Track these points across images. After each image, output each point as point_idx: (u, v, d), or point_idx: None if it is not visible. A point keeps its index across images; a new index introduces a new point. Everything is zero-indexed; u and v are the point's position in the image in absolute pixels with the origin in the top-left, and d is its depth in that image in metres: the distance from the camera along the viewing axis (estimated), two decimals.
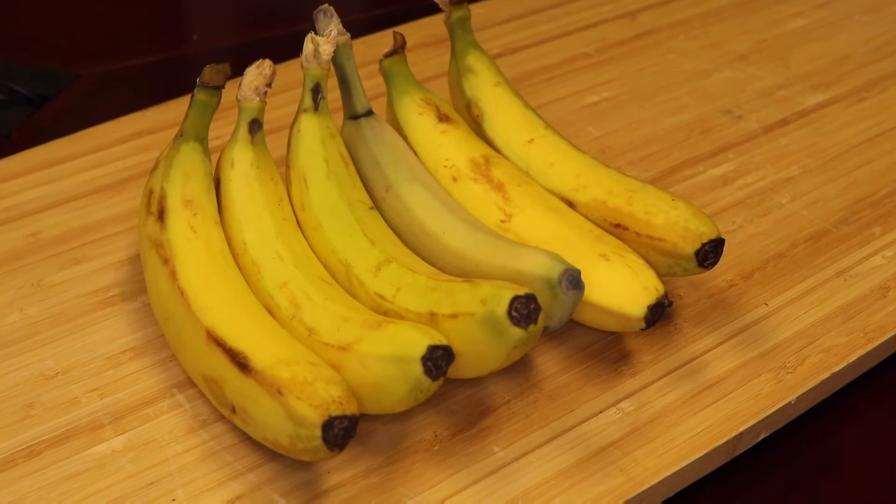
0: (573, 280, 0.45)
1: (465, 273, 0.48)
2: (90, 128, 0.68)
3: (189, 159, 0.50)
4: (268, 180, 0.50)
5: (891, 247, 0.58)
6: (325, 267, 0.49)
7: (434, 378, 0.42)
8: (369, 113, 0.54)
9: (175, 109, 0.69)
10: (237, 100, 0.51)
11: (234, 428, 0.47)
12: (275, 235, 0.49)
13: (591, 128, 0.69)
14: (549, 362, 0.51)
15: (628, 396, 0.49)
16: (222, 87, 0.51)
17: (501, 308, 0.42)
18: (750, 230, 0.59)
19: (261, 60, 0.51)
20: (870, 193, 0.63)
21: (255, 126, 0.51)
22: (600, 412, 0.48)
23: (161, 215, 0.49)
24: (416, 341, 0.42)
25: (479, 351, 0.44)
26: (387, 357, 0.42)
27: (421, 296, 0.45)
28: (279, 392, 0.41)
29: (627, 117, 0.70)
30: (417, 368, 0.42)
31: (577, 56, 0.77)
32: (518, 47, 0.78)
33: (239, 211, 0.49)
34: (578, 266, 0.45)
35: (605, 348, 0.51)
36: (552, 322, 0.45)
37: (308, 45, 0.52)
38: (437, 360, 0.42)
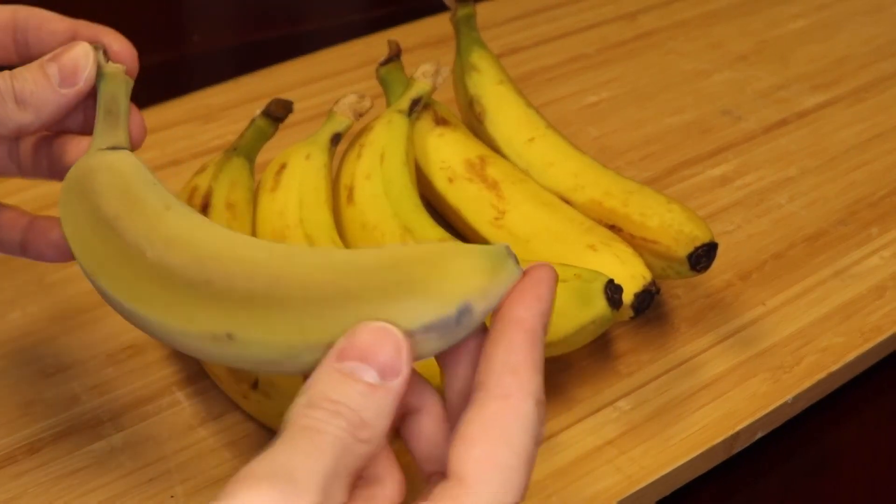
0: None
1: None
2: None
3: (238, 171, 0.52)
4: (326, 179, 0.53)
5: (888, 247, 0.58)
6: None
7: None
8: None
9: (175, 109, 0.70)
10: (332, 109, 0.53)
11: (233, 426, 0.47)
12: (331, 226, 0.51)
13: (591, 128, 0.69)
14: (546, 361, 0.51)
15: (625, 395, 0.49)
16: (282, 120, 0.53)
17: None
18: (748, 230, 0.60)
19: (364, 95, 0.54)
20: (868, 194, 0.63)
21: (336, 138, 0.53)
22: (597, 410, 0.48)
23: (204, 209, 0.50)
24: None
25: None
26: None
27: None
28: None
29: (627, 117, 0.70)
30: None
31: (577, 56, 0.77)
32: (519, 48, 0.78)
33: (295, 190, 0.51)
34: (568, 258, 0.45)
35: (602, 347, 0.51)
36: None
37: (427, 67, 0.55)
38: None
